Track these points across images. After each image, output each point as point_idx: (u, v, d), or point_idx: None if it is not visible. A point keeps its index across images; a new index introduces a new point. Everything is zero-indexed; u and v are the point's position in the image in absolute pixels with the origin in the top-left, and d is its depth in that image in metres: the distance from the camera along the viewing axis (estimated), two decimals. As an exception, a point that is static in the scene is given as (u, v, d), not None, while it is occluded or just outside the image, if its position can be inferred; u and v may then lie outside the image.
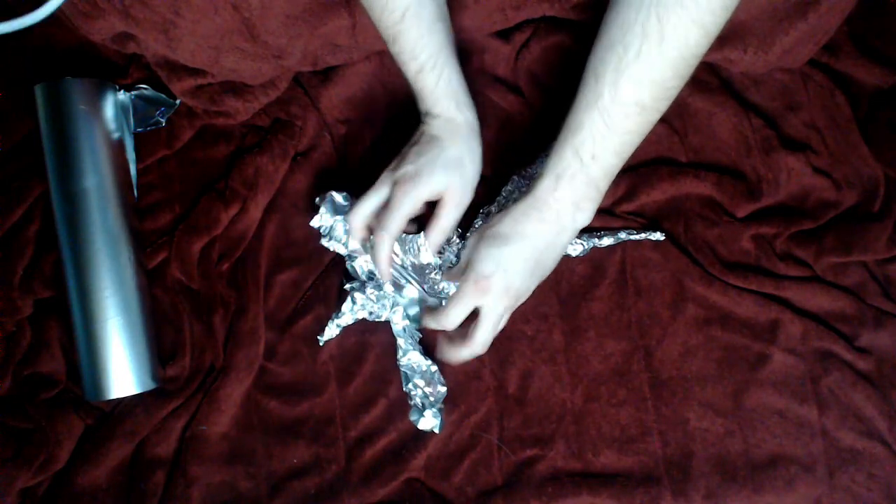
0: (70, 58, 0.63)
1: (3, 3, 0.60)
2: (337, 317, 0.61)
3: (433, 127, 0.58)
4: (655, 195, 0.64)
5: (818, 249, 0.62)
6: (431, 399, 0.59)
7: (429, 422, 0.59)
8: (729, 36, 0.63)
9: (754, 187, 0.65)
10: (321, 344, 0.62)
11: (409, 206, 0.55)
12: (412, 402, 0.60)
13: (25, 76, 0.68)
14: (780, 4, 0.60)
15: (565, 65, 0.68)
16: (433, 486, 0.60)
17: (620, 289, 0.62)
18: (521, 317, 0.62)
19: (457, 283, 0.57)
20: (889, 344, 0.60)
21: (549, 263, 0.55)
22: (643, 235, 0.61)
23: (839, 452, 0.58)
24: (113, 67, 0.68)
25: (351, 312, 0.61)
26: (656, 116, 0.50)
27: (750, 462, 0.58)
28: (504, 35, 0.68)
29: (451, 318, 0.54)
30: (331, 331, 0.62)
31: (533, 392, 0.61)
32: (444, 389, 0.60)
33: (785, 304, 0.61)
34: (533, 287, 0.55)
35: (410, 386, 0.60)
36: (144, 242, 0.66)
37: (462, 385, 0.61)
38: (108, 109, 0.64)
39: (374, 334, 0.63)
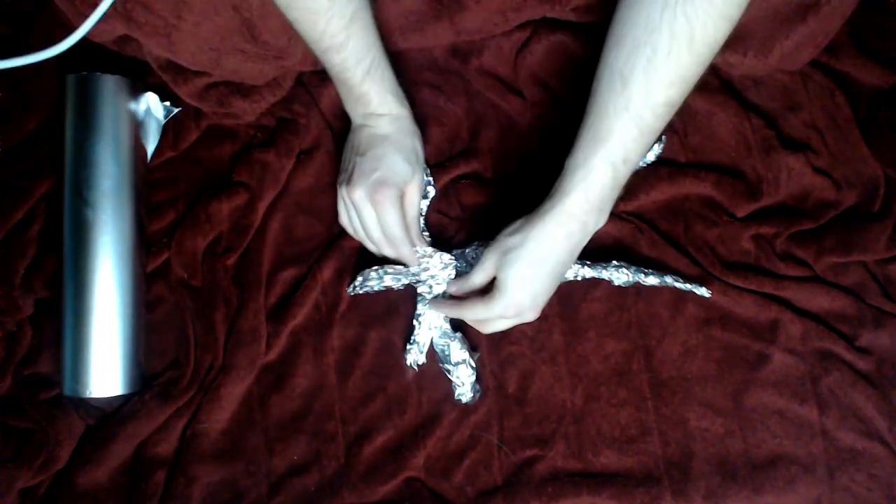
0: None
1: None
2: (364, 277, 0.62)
3: (379, 127, 0.59)
4: (655, 195, 0.64)
5: (818, 249, 0.62)
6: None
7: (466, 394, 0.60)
8: (729, 38, 0.63)
9: (754, 187, 0.65)
10: (350, 292, 0.63)
11: (395, 213, 0.57)
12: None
13: (26, 75, 0.68)
14: (781, 7, 0.60)
15: (566, 65, 0.68)
16: (433, 486, 0.60)
17: (620, 289, 0.62)
18: (522, 317, 0.62)
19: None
20: (889, 344, 0.60)
21: (568, 265, 0.55)
22: (689, 287, 0.60)
23: (839, 452, 0.58)
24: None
25: (378, 280, 0.61)
26: (678, 108, 0.49)
27: (750, 462, 0.58)
28: (504, 35, 0.68)
29: (488, 329, 0.57)
30: (359, 285, 0.62)
31: (533, 392, 0.61)
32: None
33: (785, 304, 0.61)
34: (553, 291, 0.55)
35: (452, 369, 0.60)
36: (149, 242, 0.66)
37: (462, 385, 0.61)
38: (140, 111, 0.64)
39: (372, 329, 0.63)
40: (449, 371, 0.60)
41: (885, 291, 0.62)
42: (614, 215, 0.64)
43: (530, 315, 0.54)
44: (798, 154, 0.64)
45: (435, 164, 0.66)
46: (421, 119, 0.67)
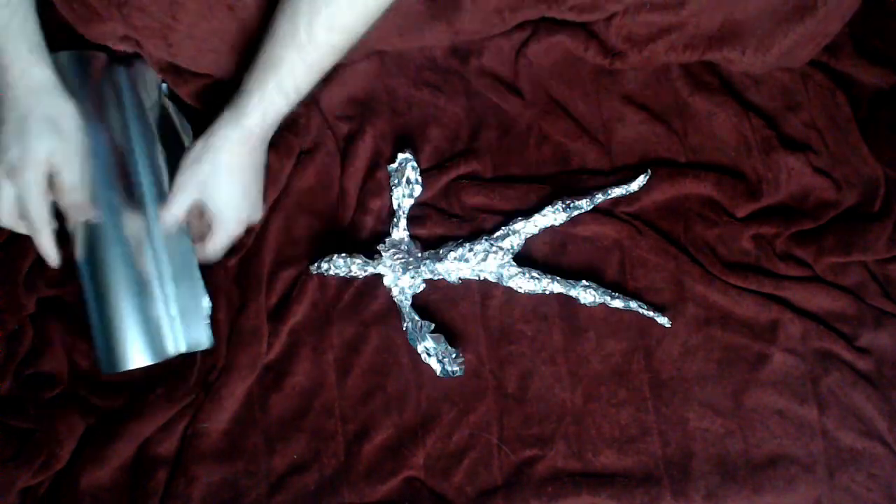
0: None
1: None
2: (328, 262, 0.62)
3: (15, 88, 0.52)
4: (655, 195, 0.64)
5: (818, 249, 0.62)
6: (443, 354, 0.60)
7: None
8: (727, 36, 0.63)
9: (754, 187, 0.65)
10: (312, 270, 0.63)
11: (35, 195, 0.52)
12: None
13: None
14: (778, 7, 0.60)
15: (566, 65, 0.68)
16: (433, 486, 0.60)
17: (620, 289, 0.62)
18: (522, 317, 0.62)
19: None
20: (889, 344, 0.60)
21: (257, 172, 0.58)
22: (651, 314, 0.60)
23: (839, 452, 0.58)
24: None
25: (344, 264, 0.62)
26: (346, 51, 0.54)
27: (750, 462, 0.58)
28: (504, 35, 0.68)
29: (171, 215, 0.56)
30: (325, 269, 0.62)
31: (533, 392, 0.61)
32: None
33: (785, 304, 0.61)
34: (254, 196, 0.59)
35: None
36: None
37: (461, 384, 0.61)
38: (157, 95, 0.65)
39: (371, 326, 0.63)
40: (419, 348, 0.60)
41: (885, 291, 0.62)
42: (613, 216, 0.64)
43: (237, 228, 0.58)
44: (798, 154, 0.64)
45: (435, 165, 0.67)
46: (421, 119, 0.67)
